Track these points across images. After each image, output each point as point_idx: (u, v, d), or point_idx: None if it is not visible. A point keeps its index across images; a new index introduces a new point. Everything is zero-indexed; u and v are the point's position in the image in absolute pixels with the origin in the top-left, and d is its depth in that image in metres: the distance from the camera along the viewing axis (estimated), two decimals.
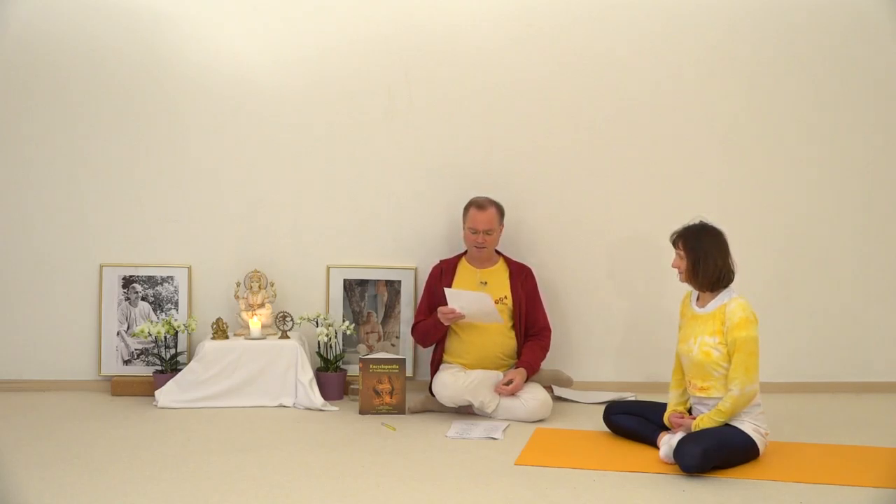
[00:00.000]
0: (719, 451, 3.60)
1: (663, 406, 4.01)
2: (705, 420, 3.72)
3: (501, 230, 4.70)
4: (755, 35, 5.00)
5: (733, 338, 3.73)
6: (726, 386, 3.73)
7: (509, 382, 4.43)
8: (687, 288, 3.98)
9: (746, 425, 3.73)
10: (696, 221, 3.90)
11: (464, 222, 4.67)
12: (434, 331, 4.57)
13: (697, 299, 3.92)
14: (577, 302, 5.05)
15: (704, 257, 3.80)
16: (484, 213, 4.59)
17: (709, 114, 5.03)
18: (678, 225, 3.94)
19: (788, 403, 4.76)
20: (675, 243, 3.91)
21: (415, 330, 4.71)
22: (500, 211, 4.67)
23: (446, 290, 4.49)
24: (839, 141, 5.08)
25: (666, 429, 3.91)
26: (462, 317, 4.46)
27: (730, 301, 3.79)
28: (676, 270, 3.91)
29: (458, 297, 4.45)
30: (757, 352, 3.74)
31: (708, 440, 3.61)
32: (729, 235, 3.89)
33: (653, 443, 3.90)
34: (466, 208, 4.66)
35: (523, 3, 4.96)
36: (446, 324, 4.50)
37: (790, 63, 5.01)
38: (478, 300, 4.44)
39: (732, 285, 3.86)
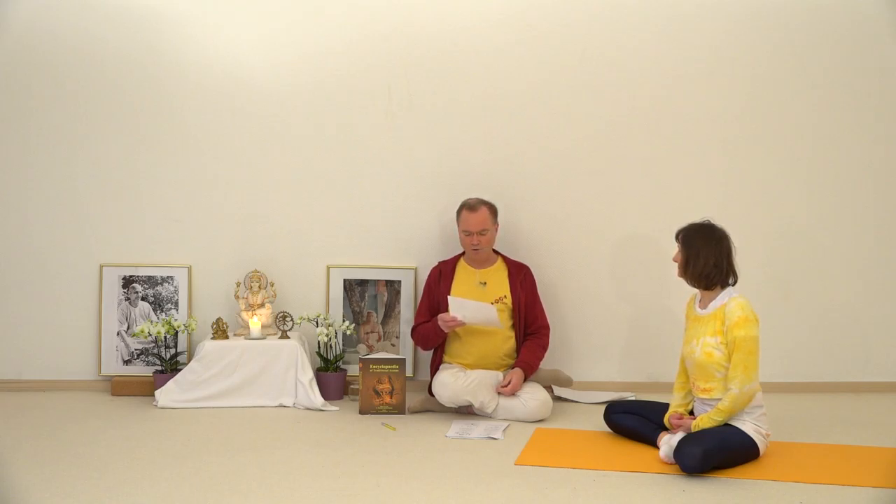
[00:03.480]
0: (720, 451, 3.60)
1: (664, 406, 4.01)
2: (705, 420, 3.72)
3: (496, 229, 4.68)
4: (755, 35, 5.00)
5: (732, 337, 3.73)
6: (727, 386, 3.73)
7: (508, 383, 4.43)
8: (690, 290, 3.98)
9: (747, 426, 3.73)
10: (704, 220, 3.92)
11: (458, 225, 4.67)
12: (434, 336, 4.57)
13: (700, 301, 3.92)
14: (577, 302, 5.05)
15: (696, 254, 3.82)
16: (476, 214, 4.58)
17: (709, 114, 5.03)
18: (678, 224, 3.96)
19: (788, 403, 4.75)
20: (676, 238, 3.94)
21: (414, 332, 4.70)
22: (493, 210, 4.65)
23: (450, 298, 4.48)
24: (839, 141, 5.07)
25: (666, 428, 3.91)
26: (462, 324, 4.47)
27: (729, 301, 3.79)
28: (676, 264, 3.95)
29: (462, 307, 4.45)
30: (756, 351, 3.73)
31: (708, 440, 3.61)
32: (729, 235, 3.89)
33: (653, 443, 3.90)
34: (459, 211, 4.65)
35: (524, 3, 4.96)
36: (446, 331, 4.51)
37: (790, 63, 5.01)
38: (481, 310, 4.44)
39: (735, 286, 3.87)
